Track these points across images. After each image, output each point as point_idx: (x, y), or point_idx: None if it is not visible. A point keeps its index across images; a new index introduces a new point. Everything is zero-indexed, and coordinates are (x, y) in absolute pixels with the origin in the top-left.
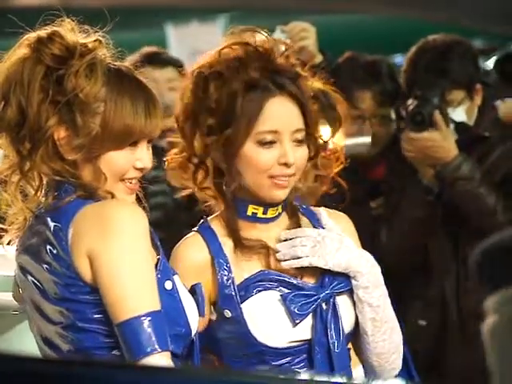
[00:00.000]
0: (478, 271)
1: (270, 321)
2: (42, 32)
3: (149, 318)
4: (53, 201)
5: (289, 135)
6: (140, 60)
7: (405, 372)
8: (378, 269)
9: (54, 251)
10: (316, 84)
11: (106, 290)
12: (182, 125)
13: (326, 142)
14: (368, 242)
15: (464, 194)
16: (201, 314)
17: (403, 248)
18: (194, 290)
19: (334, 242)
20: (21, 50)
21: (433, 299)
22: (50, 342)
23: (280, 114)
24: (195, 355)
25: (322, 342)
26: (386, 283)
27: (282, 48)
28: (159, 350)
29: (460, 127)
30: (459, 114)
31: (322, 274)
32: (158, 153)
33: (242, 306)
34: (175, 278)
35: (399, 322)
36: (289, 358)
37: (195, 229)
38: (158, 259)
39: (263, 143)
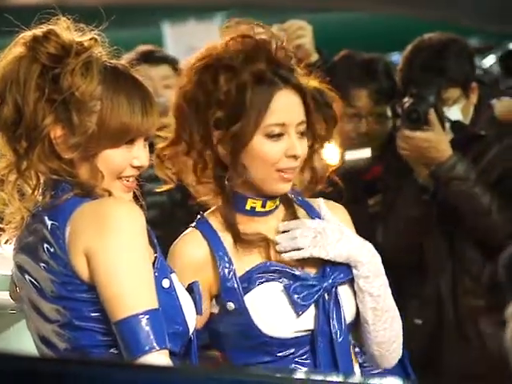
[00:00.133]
0: (506, 275)
1: (273, 311)
2: (38, 31)
3: (147, 317)
4: (50, 199)
5: (294, 127)
6: (135, 58)
7: (401, 370)
8: (378, 258)
9: (51, 249)
10: (312, 82)
11: (104, 288)
12: (182, 118)
13: (323, 139)
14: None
15: (459, 194)
16: (198, 312)
17: (399, 247)
18: (191, 289)
19: (335, 232)
20: (16, 48)
21: (428, 298)
22: (47, 340)
23: (287, 106)
24: (193, 353)
25: (324, 331)
26: None
27: (279, 41)
28: (157, 348)
29: (456, 126)
30: (455, 113)
31: (322, 264)
32: (155, 151)
33: (245, 297)
34: (173, 276)
35: None
36: (293, 350)
37: (193, 225)
38: (156, 257)
39: (271, 136)
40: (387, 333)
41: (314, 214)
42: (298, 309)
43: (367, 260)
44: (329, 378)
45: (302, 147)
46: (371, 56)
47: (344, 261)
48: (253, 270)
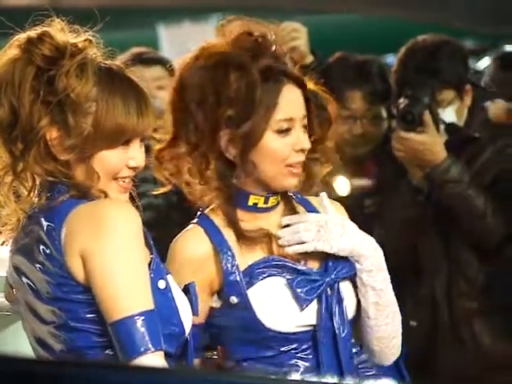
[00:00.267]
0: None
1: (276, 306)
2: (32, 32)
3: (142, 318)
4: (46, 201)
5: (299, 122)
6: (128, 59)
7: (395, 372)
8: (380, 252)
9: (47, 251)
10: (307, 84)
11: (99, 289)
12: (184, 117)
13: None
14: None
15: (453, 196)
16: (194, 313)
17: (393, 248)
18: (187, 289)
19: (338, 226)
20: (11, 50)
21: (423, 299)
22: (42, 342)
23: (292, 101)
24: (189, 355)
25: (327, 326)
26: None
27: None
28: (152, 350)
29: (450, 127)
30: (449, 115)
31: (325, 259)
32: (150, 153)
33: (248, 292)
34: (168, 277)
35: None
36: (295, 345)
37: (194, 221)
38: (152, 258)
39: (280, 131)
40: (388, 328)
41: (312, 210)
42: (302, 303)
43: (370, 254)
44: (324, 380)
45: (307, 141)
46: (365, 58)
47: (347, 255)
48: (255, 264)
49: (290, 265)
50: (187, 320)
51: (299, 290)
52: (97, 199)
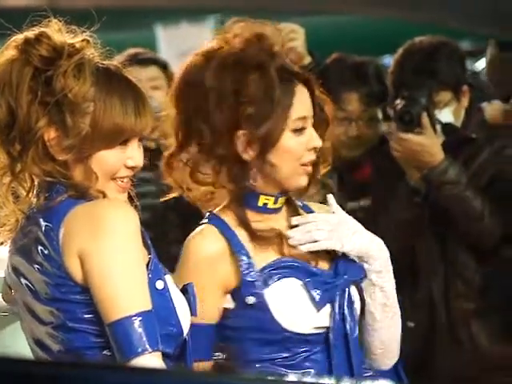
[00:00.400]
0: None
1: (293, 307)
2: (30, 33)
3: (140, 318)
4: (44, 201)
5: (310, 120)
6: (124, 60)
7: (393, 373)
8: (387, 253)
9: (46, 251)
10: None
11: (97, 289)
12: (197, 119)
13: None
14: None
15: (451, 198)
16: (193, 313)
17: (391, 249)
18: (185, 290)
19: (348, 226)
20: (8, 51)
21: (420, 301)
22: (41, 342)
23: (304, 99)
24: (188, 355)
25: (339, 328)
26: None
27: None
28: (150, 350)
29: (447, 128)
30: (446, 116)
31: (334, 261)
32: (147, 154)
33: (264, 292)
34: (166, 277)
35: None
36: (309, 347)
37: (205, 221)
38: (150, 259)
39: (296, 131)
40: (392, 330)
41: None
42: (318, 304)
43: (379, 254)
44: (321, 381)
45: (318, 139)
46: (362, 59)
47: (357, 254)
48: (269, 265)
49: (303, 266)
50: (185, 320)
51: (315, 292)
52: (95, 199)
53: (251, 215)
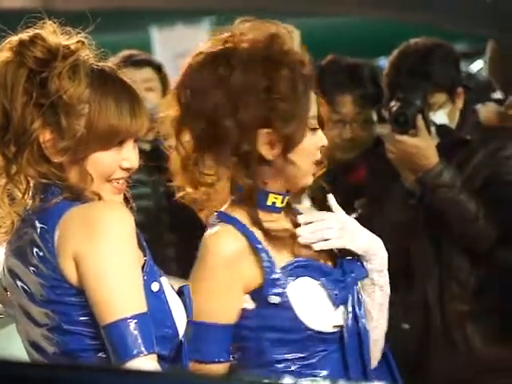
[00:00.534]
0: None
1: (314, 305)
2: (24, 35)
3: (135, 321)
4: (40, 203)
5: (317, 119)
6: (118, 62)
7: (388, 375)
8: (386, 253)
9: (41, 253)
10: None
11: (93, 292)
12: (223, 117)
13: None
14: None
15: (445, 201)
16: (189, 315)
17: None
18: (181, 292)
19: (354, 225)
20: (3, 53)
21: (415, 303)
22: (36, 345)
23: (314, 98)
24: (183, 357)
25: (353, 326)
26: None
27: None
28: (145, 353)
29: (442, 130)
30: (441, 117)
31: (339, 260)
32: (142, 156)
33: (287, 291)
34: (162, 279)
35: None
36: (325, 346)
37: (218, 220)
38: (145, 261)
39: (312, 129)
40: (382, 330)
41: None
42: (335, 303)
43: (380, 253)
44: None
45: (325, 138)
46: (356, 61)
47: (362, 253)
48: (288, 264)
49: (317, 265)
50: (181, 322)
51: (332, 291)
52: (90, 201)
53: (261, 215)
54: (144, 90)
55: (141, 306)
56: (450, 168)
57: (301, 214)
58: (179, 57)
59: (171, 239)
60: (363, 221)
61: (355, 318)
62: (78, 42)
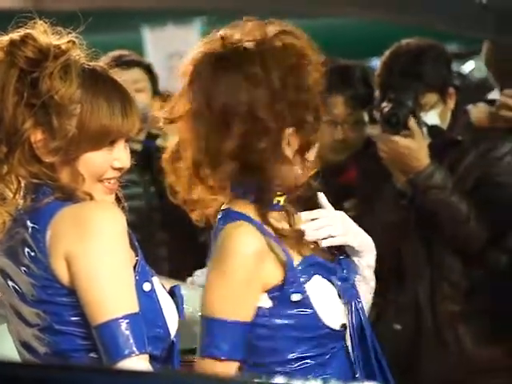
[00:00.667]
0: None
1: (329, 303)
2: (15, 35)
3: (127, 321)
4: (31, 203)
5: None
6: (108, 62)
7: (380, 376)
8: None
9: (32, 253)
10: None
11: (84, 292)
12: (247, 118)
13: None
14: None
15: (437, 202)
16: (180, 315)
17: (376, 252)
18: (173, 292)
19: (350, 220)
20: None
21: (407, 304)
22: (27, 345)
23: None
24: (175, 357)
25: (357, 323)
26: None
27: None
28: (137, 353)
29: (433, 131)
30: (432, 118)
31: (337, 256)
32: (133, 156)
33: (306, 289)
34: (154, 279)
35: (374, 325)
36: (335, 343)
37: (232, 218)
38: (137, 260)
39: None
40: None
41: None
42: (344, 300)
43: (372, 249)
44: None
45: None
46: (347, 63)
47: (359, 249)
48: (302, 262)
49: (324, 263)
50: (172, 322)
51: (340, 288)
52: (82, 201)
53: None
54: (133, 90)
55: (132, 306)
56: (441, 169)
57: (296, 212)
58: (171, 57)
59: (163, 239)
60: (354, 221)
61: (358, 313)
62: (68, 41)
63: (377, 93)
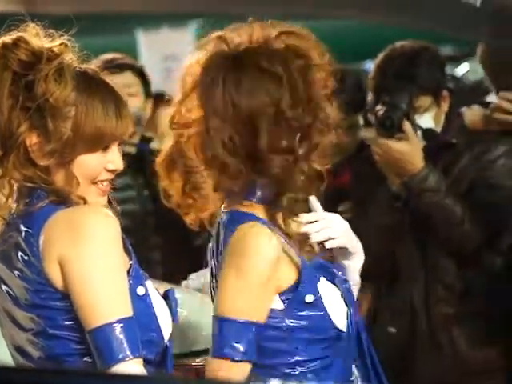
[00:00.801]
0: None
1: (336, 305)
2: (7, 38)
3: (121, 325)
4: (24, 207)
5: None
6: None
7: (375, 379)
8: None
9: (26, 257)
10: None
11: (78, 296)
12: (273, 118)
13: None
14: None
15: (431, 205)
16: (174, 319)
17: (371, 254)
18: (166, 295)
19: (343, 222)
20: None
21: (401, 306)
22: (21, 349)
23: None
24: (168, 361)
25: (353, 325)
26: None
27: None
28: (131, 357)
29: (427, 133)
30: (426, 121)
31: (332, 259)
32: (126, 159)
33: (319, 290)
34: (148, 283)
35: (368, 328)
36: (339, 344)
37: (245, 219)
38: (131, 265)
39: None
40: None
41: None
42: (346, 302)
43: (362, 251)
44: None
45: None
46: (341, 67)
47: (351, 250)
48: (312, 264)
49: (326, 265)
50: (166, 326)
51: (342, 290)
52: (75, 205)
53: None
54: (125, 95)
55: (126, 310)
56: (435, 172)
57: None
58: (165, 60)
59: (157, 243)
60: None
61: (355, 314)
62: (61, 44)
63: (370, 96)
